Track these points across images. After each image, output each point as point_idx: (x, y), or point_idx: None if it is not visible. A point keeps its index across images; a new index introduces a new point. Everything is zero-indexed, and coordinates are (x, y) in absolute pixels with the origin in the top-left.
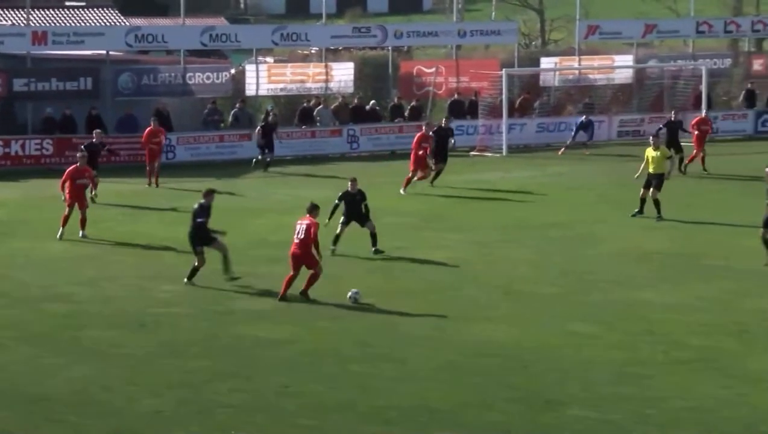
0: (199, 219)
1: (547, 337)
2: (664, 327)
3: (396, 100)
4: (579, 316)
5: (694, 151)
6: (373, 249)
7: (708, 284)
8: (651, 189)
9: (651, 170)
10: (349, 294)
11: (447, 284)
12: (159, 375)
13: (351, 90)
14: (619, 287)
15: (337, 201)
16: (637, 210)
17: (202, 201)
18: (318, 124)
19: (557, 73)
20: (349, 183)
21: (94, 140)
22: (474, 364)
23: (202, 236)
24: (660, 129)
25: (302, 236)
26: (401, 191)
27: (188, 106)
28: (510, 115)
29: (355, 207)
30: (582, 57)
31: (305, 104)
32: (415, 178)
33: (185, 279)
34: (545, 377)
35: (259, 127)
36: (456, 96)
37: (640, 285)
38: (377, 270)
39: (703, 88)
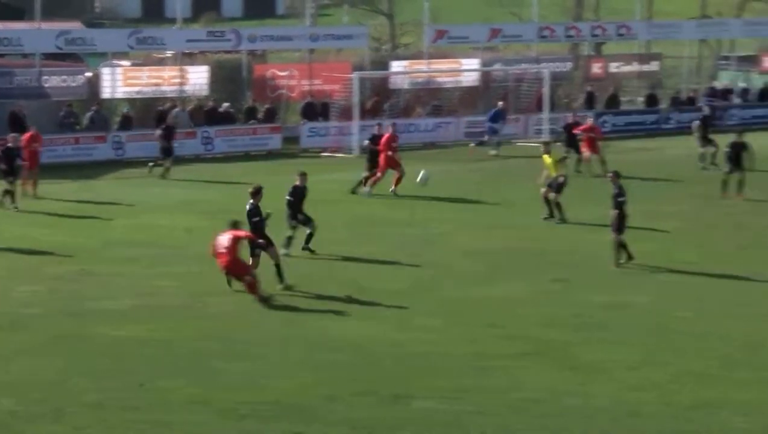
0: (255, 219)
1: (395, 332)
2: (505, 321)
3: (250, 102)
4: (425, 311)
5: (586, 153)
6: (307, 245)
7: (548, 278)
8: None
9: (553, 174)
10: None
11: (299, 281)
12: (13, 375)
13: (206, 93)
14: (464, 283)
15: (290, 197)
16: (547, 213)
17: (251, 201)
18: (175, 126)
19: (407, 76)
20: (299, 177)
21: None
22: (324, 359)
23: (261, 236)
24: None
25: (227, 246)
26: (366, 189)
27: (44, 108)
28: (361, 116)
29: (300, 202)
30: (430, 60)
31: (161, 107)
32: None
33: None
34: (393, 371)
35: (160, 130)
36: (309, 98)
37: (483, 280)
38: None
39: (546, 90)
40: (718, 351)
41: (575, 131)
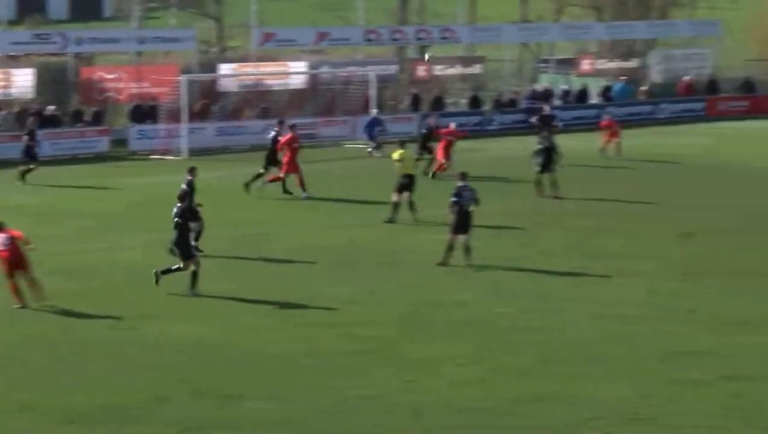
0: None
1: (227, 333)
2: (340, 319)
3: (77, 105)
4: (258, 311)
5: (440, 160)
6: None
7: (380, 277)
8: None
9: (405, 171)
10: None
11: (127, 283)
12: None
13: (31, 96)
14: (298, 282)
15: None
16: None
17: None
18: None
19: (235, 78)
20: (188, 173)
21: None
22: (155, 361)
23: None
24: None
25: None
26: (303, 194)
27: None
28: (190, 119)
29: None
30: (258, 63)
31: None
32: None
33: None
34: (225, 372)
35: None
36: (137, 101)
37: (317, 280)
38: (58, 271)
39: (372, 92)
40: (540, 346)
41: (439, 133)
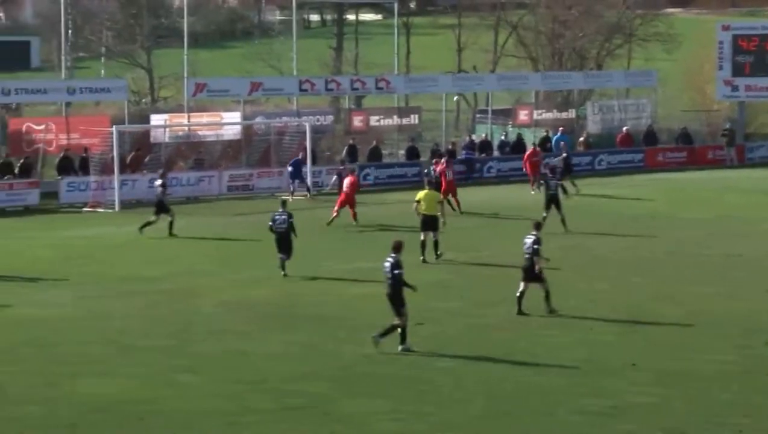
0: (397, 271)
1: (158, 389)
2: (267, 376)
3: (5, 156)
4: (187, 368)
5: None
6: None
7: (305, 332)
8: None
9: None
10: None
11: (54, 340)
12: None
13: None
14: (224, 338)
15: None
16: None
17: (393, 254)
18: None
19: (167, 129)
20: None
21: None
22: (87, 420)
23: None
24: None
25: None
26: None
27: None
28: (122, 171)
29: None
30: (191, 114)
31: None
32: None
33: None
34: (157, 430)
35: None
36: (65, 152)
37: (243, 335)
38: None
39: (308, 143)
40: (484, 399)
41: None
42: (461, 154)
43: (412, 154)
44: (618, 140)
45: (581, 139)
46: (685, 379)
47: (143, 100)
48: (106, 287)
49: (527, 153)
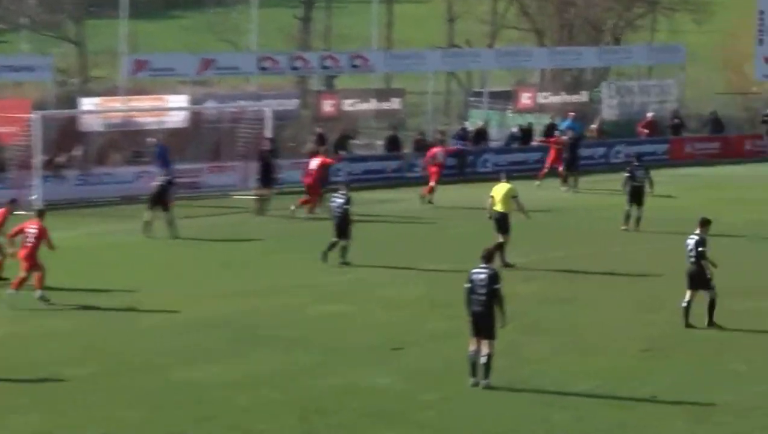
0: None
1: (89, 426)
2: (222, 409)
3: None
4: (126, 401)
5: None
6: None
7: (268, 357)
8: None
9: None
10: None
11: None
12: None
13: None
14: (167, 365)
15: None
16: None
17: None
18: None
19: (100, 115)
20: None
21: None
22: None
23: None
24: None
25: None
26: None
27: None
28: (45, 165)
29: None
30: (129, 97)
31: None
32: None
33: None
34: None
35: None
36: None
37: (191, 361)
38: None
39: (268, 131)
40: None
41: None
42: (451, 145)
43: (393, 144)
44: (641, 128)
45: (593, 126)
46: None
47: (72, 81)
48: (25, 302)
49: (552, 139)
